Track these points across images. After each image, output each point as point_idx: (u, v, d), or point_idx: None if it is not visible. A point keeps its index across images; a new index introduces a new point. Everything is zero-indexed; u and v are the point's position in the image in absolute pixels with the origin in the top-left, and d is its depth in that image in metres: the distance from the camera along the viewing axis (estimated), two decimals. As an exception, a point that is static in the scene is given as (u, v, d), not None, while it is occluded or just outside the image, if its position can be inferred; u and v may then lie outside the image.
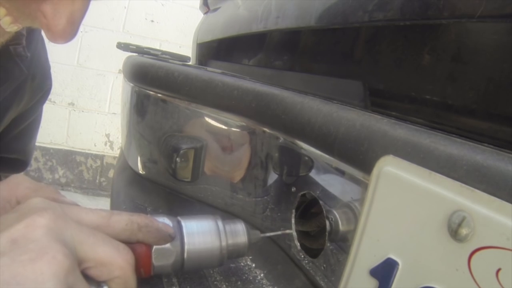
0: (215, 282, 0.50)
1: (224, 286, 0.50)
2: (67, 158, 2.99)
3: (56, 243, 0.32)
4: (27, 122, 0.82)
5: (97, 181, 3.17)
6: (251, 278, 0.52)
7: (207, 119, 0.59)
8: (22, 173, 0.85)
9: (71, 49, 2.94)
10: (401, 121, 0.35)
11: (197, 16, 1.31)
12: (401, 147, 0.31)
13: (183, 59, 0.91)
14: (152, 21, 3.10)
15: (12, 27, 0.48)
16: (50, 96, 0.96)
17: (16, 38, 0.64)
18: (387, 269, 0.29)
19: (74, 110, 3.07)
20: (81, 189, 3.04)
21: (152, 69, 0.64)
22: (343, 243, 0.39)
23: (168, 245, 0.42)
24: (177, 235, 0.43)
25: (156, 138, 0.64)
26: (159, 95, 0.63)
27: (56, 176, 2.97)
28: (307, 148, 0.45)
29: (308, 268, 0.45)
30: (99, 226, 0.38)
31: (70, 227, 0.35)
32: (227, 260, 0.46)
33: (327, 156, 0.41)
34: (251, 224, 0.58)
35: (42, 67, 0.79)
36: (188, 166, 0.59)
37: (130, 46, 0.84)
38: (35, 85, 0.77)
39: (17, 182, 0.46)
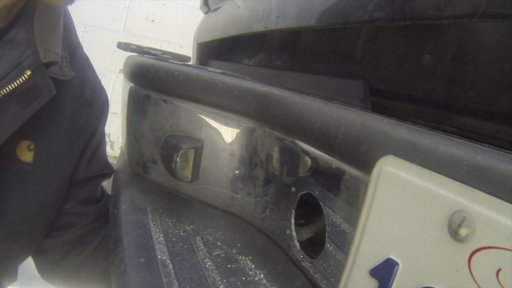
0: (215, 282, 0.50)
1: (224, 286, 0.50)
2: (68, 158, 2.99)
3: None
4: (99, 138, 0.84)
5: (97, 181, 3.17)
6: (251, 278, 0.52)
7: (207, 119, 0.59)
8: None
9: (72, 49, 2.93)
10: (402, 121, 0.35)
11: (198, 16, 1.31)
12: (402, 147, 0.31)
13: (183, 59, 0.91)
14: (153, 21, 3.10)
15: None
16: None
17: (50, 56, 0.65)
18: (387, 269, 0.29)
19: (75, 110, 3.06)
20: (82, 189, 3.03)
21: (152, 69, 0.64)
22: (342, 243, 0.39)
23: None
24: None
25: (156, 138, 0.64)
26: (159, 95, 0.63)
27: (57, 176, 2.96)
28: (307, 148, 0.45)
29: (308, 268, 0.45)
30: None
31: None
32: None
33: (327, 156, 0.41)
34: (251, 224, 0.58)
35: (91, 82, 0.82)
36: (188, 166, 0.59)
37: (131, 46, 0.84)
38: (87, 99, 0.80)
39: None
